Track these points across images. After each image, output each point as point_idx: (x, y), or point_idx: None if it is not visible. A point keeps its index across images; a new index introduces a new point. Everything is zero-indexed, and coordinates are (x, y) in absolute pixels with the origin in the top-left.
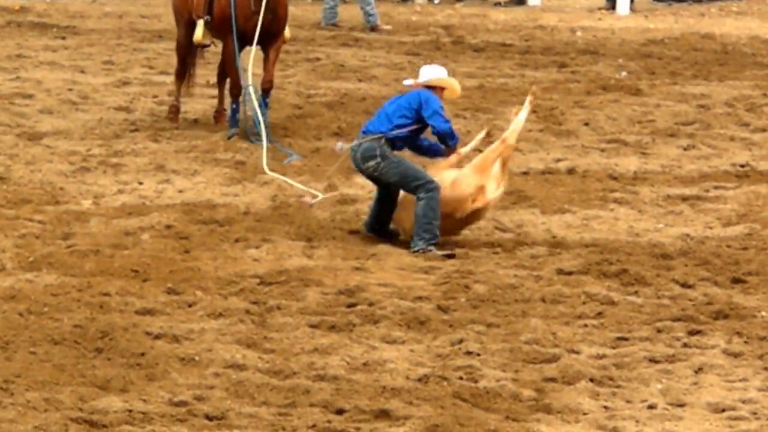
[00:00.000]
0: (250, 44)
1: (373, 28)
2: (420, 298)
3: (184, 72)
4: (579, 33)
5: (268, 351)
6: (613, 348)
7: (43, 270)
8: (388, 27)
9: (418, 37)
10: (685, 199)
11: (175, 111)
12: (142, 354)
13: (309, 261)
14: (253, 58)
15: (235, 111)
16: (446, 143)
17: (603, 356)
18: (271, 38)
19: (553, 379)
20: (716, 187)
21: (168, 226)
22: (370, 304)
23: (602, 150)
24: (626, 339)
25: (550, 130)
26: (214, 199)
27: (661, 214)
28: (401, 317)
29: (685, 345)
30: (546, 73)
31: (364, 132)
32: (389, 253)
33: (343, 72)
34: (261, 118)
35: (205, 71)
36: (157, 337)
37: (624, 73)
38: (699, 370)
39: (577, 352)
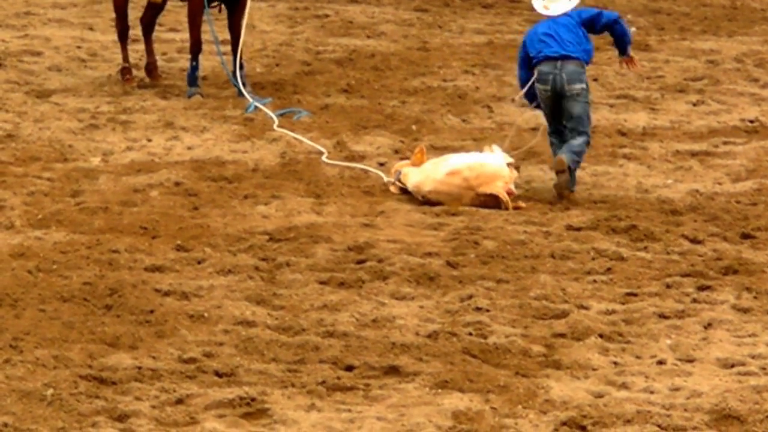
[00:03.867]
0: (211, 5)
1: None
2: (429, 254)
3: (125, 30)
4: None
5: (278, 308)
6: (623, 304)
7: (52, 227)
8: None
9: None
10: (694, 154)
11: (128, 72)
12: (152, 311)
13: (318, 218)
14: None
15: (195, 68)
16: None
17: (612, 312)
18: (236, 2)
19: (562, 335)
20: (725, 143)
21: (177, 183)
22: (379, 261)
23: (611, 106)
24: (635, 295)
25: None
26: (222, 156)
27: (670, 170)
28: (410, 273)
29: (695, 300)
30: None
31: (564, 54)
32: (398, 209)
33: (351, 28)
34: (243, 90)
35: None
36: (167, 294)
37: (633, 29)
38: (708, 326)
39: (587, 308)
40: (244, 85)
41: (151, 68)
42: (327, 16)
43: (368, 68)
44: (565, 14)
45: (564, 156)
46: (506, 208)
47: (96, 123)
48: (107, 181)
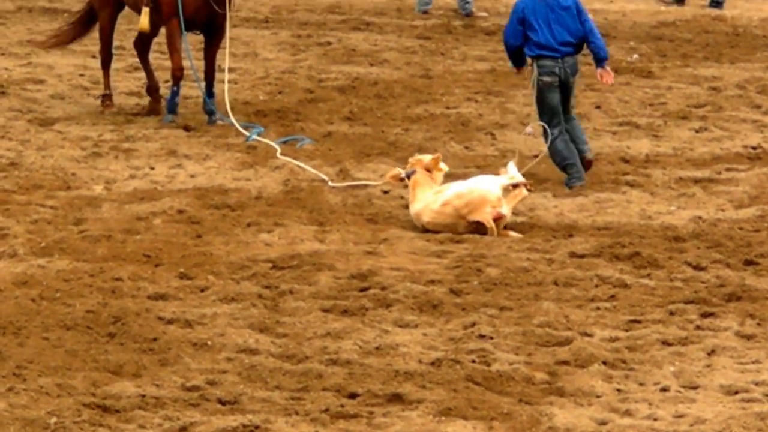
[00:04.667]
0: (193, 30)
1: (468, 14)
2: (432, 282)
3: (109, 59)
4: (590, 15)
5: (281, 335)
6: (626, 331)
7: (55, 255)
8: (484, 14)
9: (429, 20)
10: (697, 181)
11: (108, 99)
12: (155, 339)
13: (321, 245)
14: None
15: (174, 94)
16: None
17: (616, 339)
18: (214, 28)
19: (566, 362)
20: (728, 170)
21: (180, 211)
22: (383, 288)
23: (614, 133)
24: (639, 321)
25: None
26: (225, 184)
27: (673, 197)
28: (414, 301)
29: (698, 327)
30: None
31: (564, 47)
32: (401, 237)
33: (354, 56)
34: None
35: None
36: (170, 322)
37: (635, 56)
38: (712, 353)
39: (590, 335)
40: (213, 113)
41: (151, 90)
42: (330, 43)
43: (371, 96)
44: None
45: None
46: (493, 234)
47: (99, 151)
48: (110, 209)
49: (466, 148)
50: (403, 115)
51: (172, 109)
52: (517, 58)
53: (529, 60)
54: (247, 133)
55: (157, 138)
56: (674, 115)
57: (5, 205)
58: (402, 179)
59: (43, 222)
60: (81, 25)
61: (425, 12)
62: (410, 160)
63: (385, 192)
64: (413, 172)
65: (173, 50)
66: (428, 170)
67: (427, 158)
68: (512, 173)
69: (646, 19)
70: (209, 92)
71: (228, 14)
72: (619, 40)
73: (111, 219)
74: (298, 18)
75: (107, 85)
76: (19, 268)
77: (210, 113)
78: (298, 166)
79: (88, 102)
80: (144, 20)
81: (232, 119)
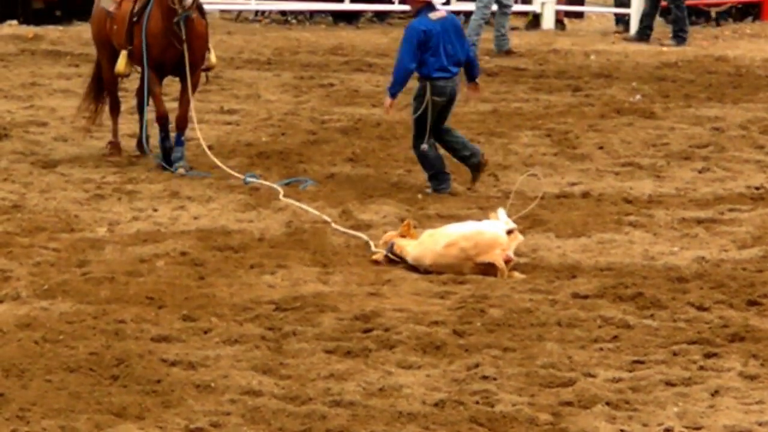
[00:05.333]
0: (169, 74)
1: (508, 52)
2: (435, 323)
3: (117, 105)
4: (593, 57)
5: (284, 377)
6: (630, 371)
7: (58, 298)
8: (520, 52)
9: None
10: (700, 222)
11: (117, 147)
12: (158, 381)
13: (324, 287)
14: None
15: (163, 140)
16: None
17: (619, 380)
18: (187, 70)
19: (569, 403)
20: (731, 210)
21: (183, 253)
22: (386, 330)
23: (617, 173)
24: (642, 362)
25: (565, 153)
26: (228, 226)
27: (676, 237)
28: (417, 342)
29: (701, 368)
30: (560, 96)
31: (455, 68)
32: (404, 278)
33: (356, 97)
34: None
35: (220, 97)
36: (173, 363)
37: (638, 97)
38: (715, 393)
39: (594, 376)
40: (179, 159)
41: (137, 143)
42: (332, 85)
43: (373, 137)
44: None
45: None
46: (502, 276)
47: (102, 193)
48: (113, 251)
49: (469, 189)
50: (406, 156)
51: (166, 155)
52: (403, 85)
53: (418, 81)
54: (240, 176)
55: (160, 180)
56: (677, 156)
57: (8, 248)
58: (386, 257)
59: (46, 264)
60: (97, 81)
61: (507, 52)
62: (383, 239)
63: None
64: (392, 245)
65: (151, 96)
66: (403, 237)
67: (396, 231)
68: (503, 219)
69: (649, 59)
70: (178, 140)
71: (204, 57)
72: (622, 81)
73: (114, 261)
74: (300, 60)
75: (115, 133)
76: (22, 310)
77: (176, 160)
78: (301, 207)
79: (91, 144)
80: (121, 62)
81: (220, 163)
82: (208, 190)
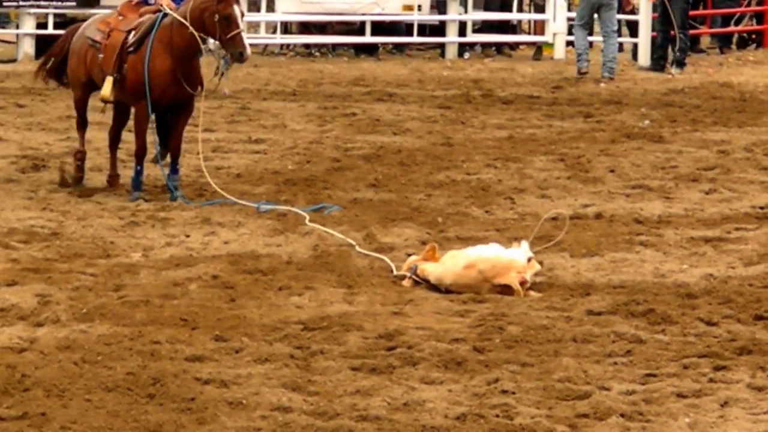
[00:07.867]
0: (159, 111)
1: (612, 78)
2: (456, 340)
3: (84, 122)
4: (603, 84)
5: (312, 393)
6: (642, 384)
7: (96, 320)
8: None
9: (449, 91)
10: (707, 240)
11: (81, 157)
12: (192, 399)
13: (350, 307)
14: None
15: (139, 173)
16: None
17: (633, 392)
18: (182, 106)
19: (585, 415)
20: (737, 229)
21: (214, 276)
22: (409, 347)
23: (627, 195)
24: (654, 375)
25: (578, 177)
26: (258, 250)
27: (685, 256)
28: (439, 359)
29: (711, 380)
30: (572, 123)
31: None
32: (426, 298)
33: (378, 126)
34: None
35: (248, 127)
36: (206, 382)
37: (647, 122)
38: (725, 404)
39: (608, 389)
40: (176, 188)
41: (110, 180)
42: (355, 114)
43: (395, 163)
44: None
45: None
46: (519, 297)
47: (136, 220)
48: (148, 275)
49: (487, 212)
50: (426, 181)
51: (138, 186)
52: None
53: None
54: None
55: (192, 207)
56: (685, 178)
57: (48, 273)
58: (411, 279)
59: (84, 289)
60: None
61: (584, 73)
62: (406, 263)
63: (410, 255)
64: (415, 269)
65: (139, 132)
66: (426, 260)
67: (419, 256)
68: (525, 249)
69: (657, 86)
70: (173, 168)
71: (196, 88)
72: (631, 107)
73: (149, 285)
74: (324, 90)
75: (82, 144)
76: (62, 333)
77: (171, 190)
78: (326, 232)
79: (125, 173)
80: (106, 88)
81: (225, 194)
82: (238, 216)
